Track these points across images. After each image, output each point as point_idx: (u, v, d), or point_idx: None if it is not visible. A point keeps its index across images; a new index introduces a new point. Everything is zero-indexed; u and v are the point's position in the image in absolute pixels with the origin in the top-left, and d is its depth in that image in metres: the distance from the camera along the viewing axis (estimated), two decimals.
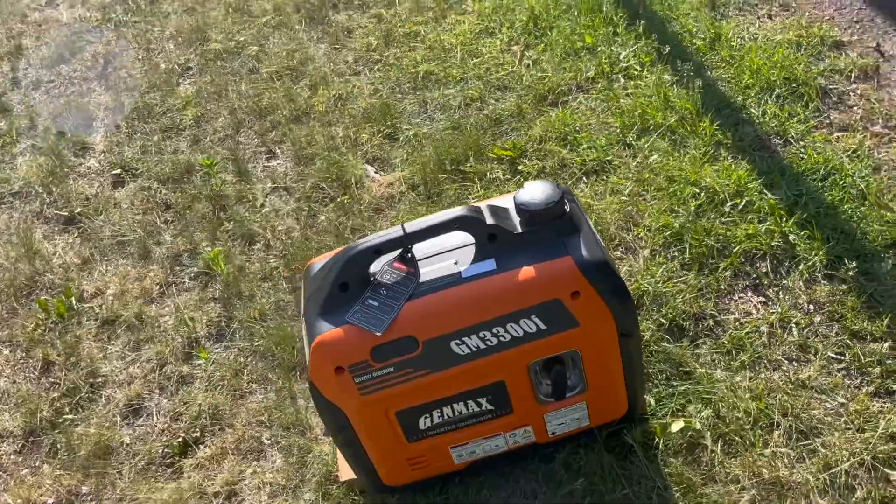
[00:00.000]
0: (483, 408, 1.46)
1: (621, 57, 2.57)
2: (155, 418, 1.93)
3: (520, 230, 1.41)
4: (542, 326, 1.37)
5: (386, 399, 1.40)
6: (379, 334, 1.34)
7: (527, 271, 1.37)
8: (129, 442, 1.89)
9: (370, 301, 1.38)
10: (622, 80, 2.50)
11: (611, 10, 2.76)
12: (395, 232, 1.38)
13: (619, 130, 2.32)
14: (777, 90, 2.32)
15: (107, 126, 2.93)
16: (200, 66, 3.12)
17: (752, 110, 2.29)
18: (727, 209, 2.02)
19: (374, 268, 1.42)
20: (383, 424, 1.44)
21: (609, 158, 2.25)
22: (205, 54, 3.16)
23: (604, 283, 1.37)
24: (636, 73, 2.50)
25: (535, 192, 1.41)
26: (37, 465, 1.89)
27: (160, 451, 1.85)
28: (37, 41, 3.55)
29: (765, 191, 2.04)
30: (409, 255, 1.42)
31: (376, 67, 2.86)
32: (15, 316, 2.26)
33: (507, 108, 2.51)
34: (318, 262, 1.51)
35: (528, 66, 2.67)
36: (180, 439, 1.84)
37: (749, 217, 1.99)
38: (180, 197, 2.52)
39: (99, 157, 2.79)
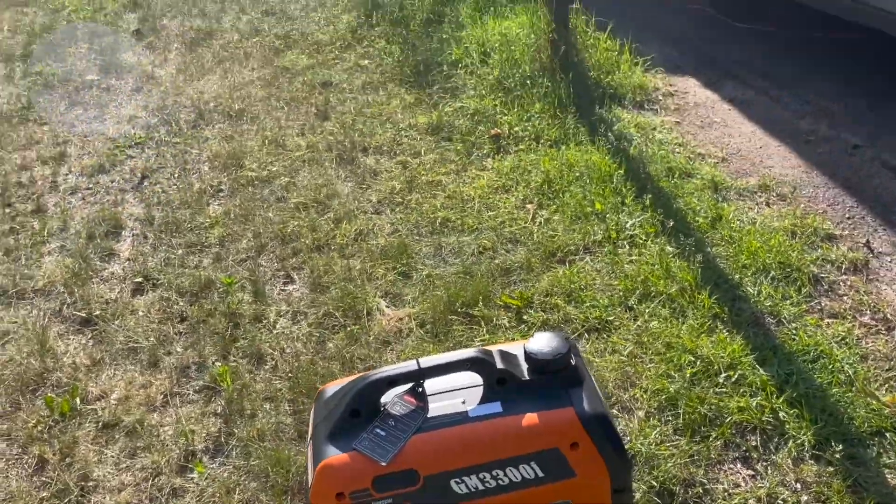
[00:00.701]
0: None
1: (628, 225, 2.74)
2: None
3: (527, 377, 1.49)
4: (540, 474, 1.42)
5: None
6: (383, 464, 1.40)
7: (530, 418, 1.44)
8: None
9: (378, 430, 1.44)
10: (627, 246, 2.66)
11: (620, 181, 2.97)
12: (409, 365, 1.46)
13: (621, 293, 2.45)
14: (772, 272, 2.47)
15: (135, 236, 3.07)
16: (232, 189, 3.30)
17: (749, 289, 2.43)
18: (721, 380, 2.10)
19: (385, 398, 1.50)
20: None
21: (610, 318, 2.36)
22: (237, 179, 3.36)
23: (603, 438, 1.44)
24: (641, 241, 2.67)
25: (545, 342, 1.51)
26: None
27: None
28: (80, 150, 3.77)
29: (757, 366, 2.13)
30: (420, 389, 1.50)
31: (398, 209, 3.04)
32: (18, 410, 2.29)
33: (517, 261, 2.65)
34: (331, 387, 1.58)
35: (540, 223, 2.84)
36: None
37: (742, 390, 2.07)
38: (196, 310, 2.61)
39: (123, 264, 2.91)
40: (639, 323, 2.33)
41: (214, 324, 2.54)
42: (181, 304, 2.66)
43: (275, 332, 2.49)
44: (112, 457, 2.12)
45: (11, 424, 2.24)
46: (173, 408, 2.27)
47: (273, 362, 2.38)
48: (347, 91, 4.06)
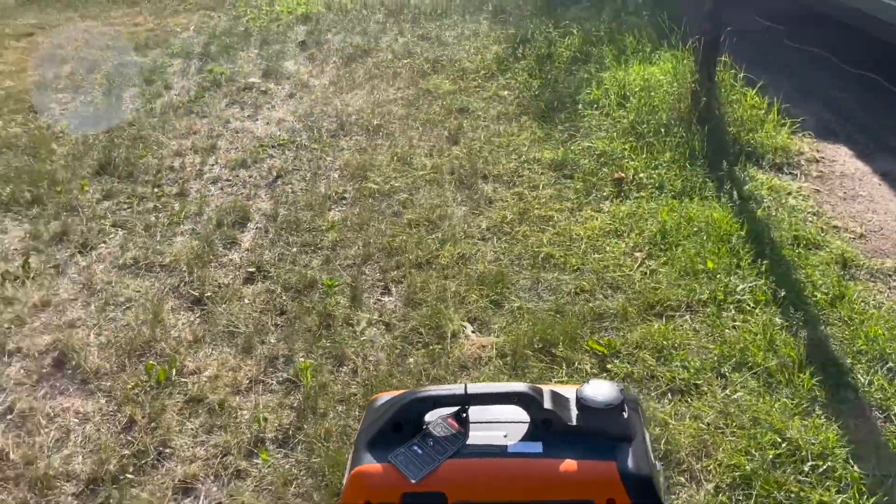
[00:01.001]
0: None
1: (738, 289, 2.61)
2: (201, 503, 2.03)
3: (574, 423, 1.45)
4: None
5: None
6: (413, 482, 1.40)
7: (569, 464, 1.40)
8: None
9: (416, 448, 1.45)
10: (732, 311, 2.53)
11: (739, 243, 2.83)
12: (457, 389, 1.46)
13: (715, 358, 2.33)
14: (890, 363, 2.26)
15: (258, 229, 3.26)
16: (354, 198, 3.44)
17: (860, 376, 2.23)
18: (806, 468, 1.94)
19: (429, 417, 1.50)
20: None
21: (698, 382, 2.25)
22: (361, 190, 3.49)
23: (642, 500, 1.37)
24: (748, 307, 2.52)
25: (599, 390, 1.46)
26: None
27: None
28: (229, 144, 4.05)
29: (851, 461, 1.95)
30: (465, 414, 1.49)
31: (504, 238, 3.05)
32: (122, 371, 2.48)
33: (612, 307, 2.59)
34: (384, 396, 1.61)
35: (646, 273, 2.75)
36: None
37: (828, 483, 1.91)
38: (296, 306, 2.73)
39: (242, 254, 3.09)
40: (727, 392, 2.20)
41: (309, 322, 2.65)
42: (284, 298, 2.79)
43: (362, 338, 2.56)
44: (191, 429, 2.25)
45: (113, 383, 2.43)
46: (255, 394, 2.38)
47: (354, 367, 2.45)
48: (482, 119, 4.13)
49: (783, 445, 2.00)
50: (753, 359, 2.30)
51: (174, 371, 2.45)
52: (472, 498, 1.40)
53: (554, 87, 4.34)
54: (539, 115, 4.08)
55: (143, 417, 2.30)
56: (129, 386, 2.40)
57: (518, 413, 1.48)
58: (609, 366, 2.34)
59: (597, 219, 3.13)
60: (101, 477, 2.11)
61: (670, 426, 2.10)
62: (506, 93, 4.45)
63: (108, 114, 4.32)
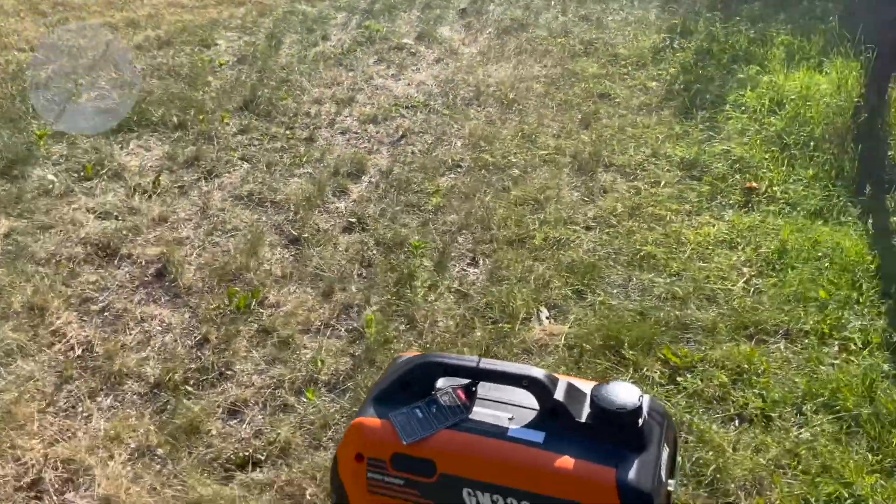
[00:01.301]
0: None
1: (848, 325, 2.34)
2: (243, 426, 2.11)
3: (583, 420, 1.36)
4: None
5: None
6: (405, 443, 1.38)
7: (566, 462, 1.32)
8: (213, 433, 2.08)
9: (418, 411, 1.43)
10: (836, 347, 2.28)
11: (864, 276, 2.54)
12: (469, 361, 1.42)
13: (800, 394, 2.11)
14: None
15: (370, 182, 3.32)
16: (467, 168, 3.41)
17: None
18: None
19: (441, 384, 1.47)
20: None
21: (772, 415, 2.05)
22: (477, 161, 3.46)
23: None
24: (854, 348, 2.27)
25: (616, 391, 1.36)
26: (143, 413, 2.16)
27: (228, 454, 2.01)
28: (366, 99, 4.14)
29: None
30: (474, 388, 1.44)
31: (607, 230, 2.92)
32: (210, 292, 2.62)
33: (702, 319, 2.41)
34: (406, 355, 1.59)
35: (748, 292, 2.54)
36: (247, 454, 2.00)
37: None
38: (382, 261, 2.76)
39: (348, 204, 3.16)
40: (802, 433, 2.00)
41: (390, 278, 2.67)
42: (374, 251, 2.83)
43: (436, 303, 2.55)
44: (255, 357, 2.35)
45: (199, 302, 2.58)
46: (322, 336, 2.44)
47: (420, 329, 2.44)
48: (620, 107, 3.96)
49: (847, 502, 1.78)
50: (843, 403, 2.06)
51: (255, 301, 2.56)
52: (460, 473, 1.35)
53: (706, 83, 4.07)
54: (682, 111, 3.85)
55: (216, 338, 2.42)
56: (212, 307, 2.54)
57: (530, 399, 1.41)
58: (679, 378, 2.19)
59: (713, 226, 2.92)
60: (166, 383, 2.25)
61: (727, 454, 1.93)
62: (654, 84, 4.23)
63: (265, 56, 4.54)
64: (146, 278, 2.70)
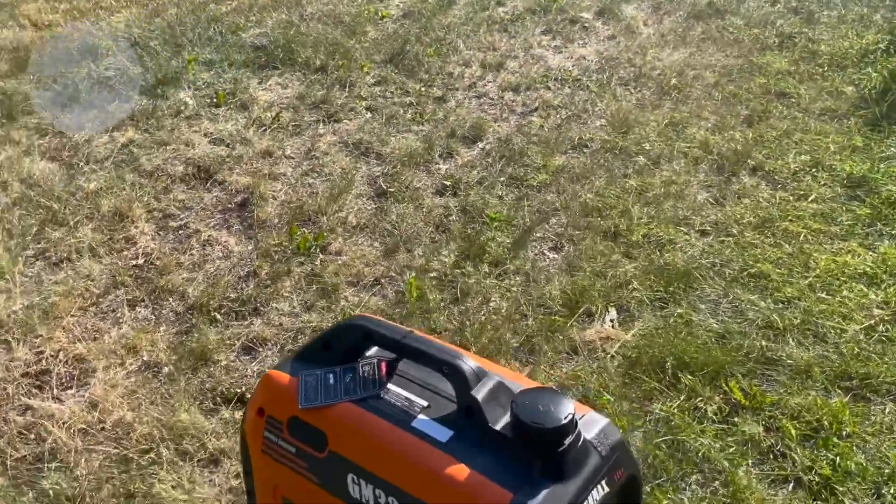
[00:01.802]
0: None
1: None
2: (252, 364, 2.05)
3: (497, 427, 1.10)
4: None
5: (279, 475, 1.25)
6: (299, 407, 1.20)
7: (460, 470, 1.07)
8: (222, 364, 2.04)
9: (331, 376, 1.24)
10: None
11: None
12: (398, 332, 1.21)
13: (888, 472, 1.64)
14: None
15: (481, 150, 3.12)
16: (592, 151, 3.10)
17: None
18: None
19: (370, 352, 1.27)
20: (271, 500, 1.29)
21: (839, 489, 1.61)
22: (606, 143, 3.14)
23: None
24: None
25: (543, 401, 1.09)
26: (170, 331, 2.16)
27: (224, 387, 1.96)
28: (516, 67, 3.92)
29: None
30: (395, 364, 1.23)
31: (723, 239, 2.50)
32: (277, 231, 2.59)
33: (793, 358, 1.97)
34: (366, 317, 1.40)
35: (872, 337, 2.04)
36: (239, 391, 1.93)
37: None
38: (459, 228, 2.57)
39: (451, 167, 2.99)
40: None
41: (459, 248, 2.48)
42: (454, 218, 2.65)
43: (494, 281, 2.33)
44: (294, 300, 2.28)
45: (264, 235, 2.55)
46: (367, 293, 2.31)
47: (472, 306, 2.23)
48: (797, 109, 3.41)
49: None
50: None
51: (316, 245, 2.48)
52: (349, 455, 1.16)
53: None
54: (870, 121, 3.23)
55: (265, 273, 2.38)
56: (272, 242, 2.50)
57: None
58: (737, 419, 1.80)
59: (857, 255, 2.40)
60: (199, 308, 2.24)
61: (766, 500, 1.55)
62: (849, 88, 3.60)
63: (431, 14, 4.46)
64: (229, 206, 2.72)
